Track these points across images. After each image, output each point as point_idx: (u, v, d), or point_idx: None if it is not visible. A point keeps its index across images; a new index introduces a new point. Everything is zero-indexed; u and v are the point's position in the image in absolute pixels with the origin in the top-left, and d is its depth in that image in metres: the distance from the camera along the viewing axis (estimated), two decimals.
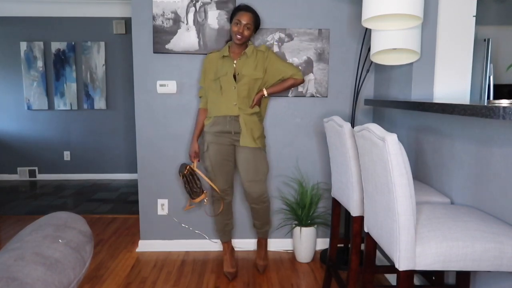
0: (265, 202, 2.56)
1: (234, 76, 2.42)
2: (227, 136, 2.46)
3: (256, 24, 2.43)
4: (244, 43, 2.43)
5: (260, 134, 2.51)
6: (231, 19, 2.43)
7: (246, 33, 2.36)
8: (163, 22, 2.74)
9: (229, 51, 2.47)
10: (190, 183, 2.52)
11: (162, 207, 2.93)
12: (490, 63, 3.78)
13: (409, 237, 1.26)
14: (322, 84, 2.85)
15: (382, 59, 2.33)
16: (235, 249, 2.96)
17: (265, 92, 2.50)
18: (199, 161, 2.64)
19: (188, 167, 2.54)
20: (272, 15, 2.79)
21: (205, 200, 2.56)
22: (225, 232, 2.66)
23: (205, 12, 2.74)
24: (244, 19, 2.34)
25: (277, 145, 2.91)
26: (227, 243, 2.67)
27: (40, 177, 5.49)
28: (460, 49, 2.23)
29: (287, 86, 2.55)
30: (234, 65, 2.44)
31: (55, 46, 5.26)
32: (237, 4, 2.73)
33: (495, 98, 4.00)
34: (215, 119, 2.46)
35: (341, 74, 2.87)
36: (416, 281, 2.24)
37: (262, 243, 2.72)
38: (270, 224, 2.70)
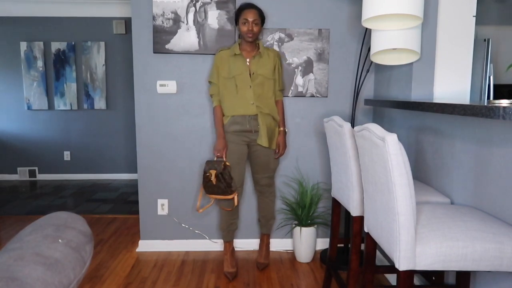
0: (272, 192, 2.70)
1: (249, 75, 2.48)
2: (245, 135, 2.52)
3: (262, 18, 2.48)
4: (255, 40, 2.49)
5: (274, 133, 2.59)
6: (236, 20, 2.49)
7: (255, 29, 2.43)
8: (163, 22, 2.74)
9: (239, 49, 2.50)
10: (226, 179, 2.45)
11: (162, 207, 2.93)
12: (490, 63, 3.78)
13: (409, 237, 1.26)
14: (322, 84, 2.85)
15: (382, 59, 2.33)
16: (235, 249, 2.96)
17: (286, 129, 2.67)
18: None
19: (224, 163, 2.46)
20: (272, 15, 2.79)
21: (236, 196, 2.52)
22: (229, 232, 2.66)
23: (205, 12, 2.74)
24: (250, 16, 2.40)
25: None
26: (229, 242, 2.68)
27: (40, 177, 5.49)
28: (460, 49, 2.23)
29: (283, 109, 2.68)
30: (248, 63, 2.49)
31: (55, 46, 5.26)
32: (237, 4, 2.73)
33: (495, 98, 4.00)
34: (233, 118, 2.50)
35: (341, 74, 2.87)
36: (416, 281, 2.24)
37: (264, 241, 2.77)
38: (275, 218, 2.81)
